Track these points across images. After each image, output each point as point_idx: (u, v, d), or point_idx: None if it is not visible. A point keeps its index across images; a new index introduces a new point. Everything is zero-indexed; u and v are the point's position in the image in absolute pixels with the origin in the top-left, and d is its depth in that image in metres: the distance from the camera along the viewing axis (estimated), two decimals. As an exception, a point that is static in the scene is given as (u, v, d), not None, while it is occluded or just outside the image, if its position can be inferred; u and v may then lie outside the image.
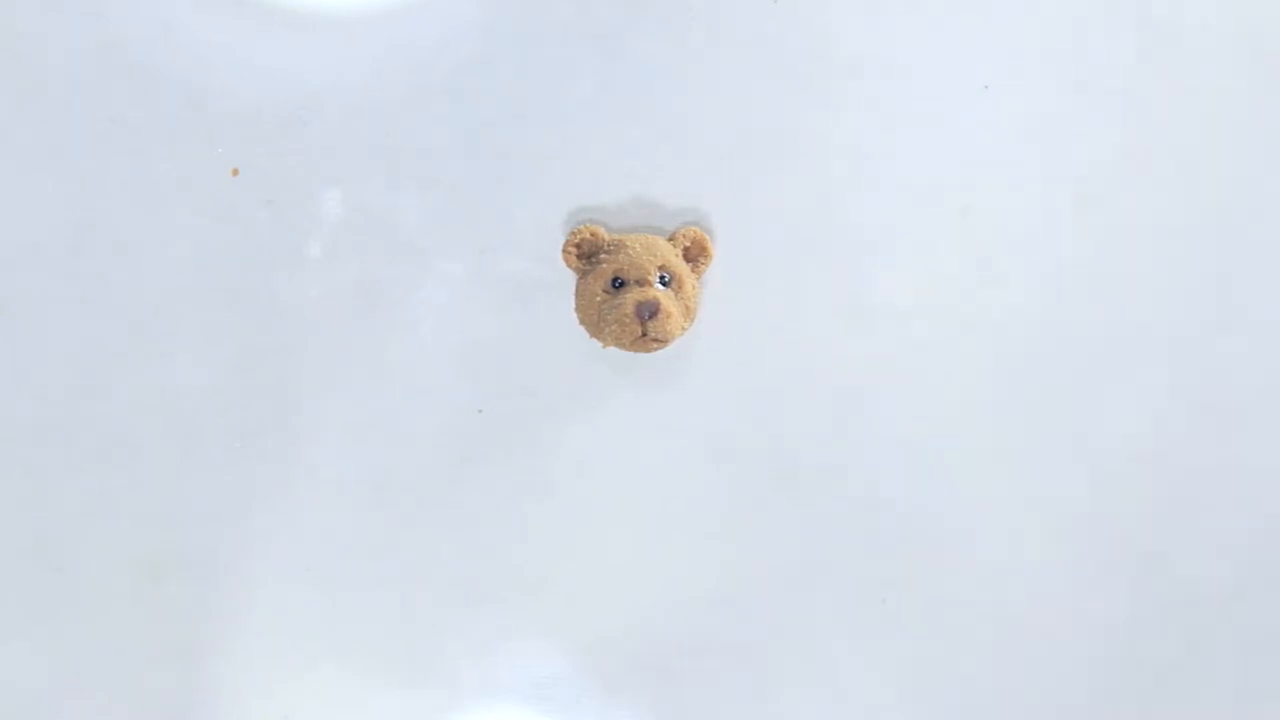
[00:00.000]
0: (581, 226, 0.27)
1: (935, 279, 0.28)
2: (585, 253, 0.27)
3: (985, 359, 0.28)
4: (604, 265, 0.27)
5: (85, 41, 0.27)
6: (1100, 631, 0.28)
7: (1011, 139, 0.28)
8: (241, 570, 0.28)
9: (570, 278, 0.27)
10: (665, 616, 0.29)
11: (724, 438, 0.28)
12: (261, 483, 0.28)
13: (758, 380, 0.28)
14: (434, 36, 0.27)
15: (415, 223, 0.28)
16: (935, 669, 0.29)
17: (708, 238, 0.27)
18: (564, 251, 0.27)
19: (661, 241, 0.27)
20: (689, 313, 0.27)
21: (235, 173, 0.28)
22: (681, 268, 0.27)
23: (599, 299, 0.26)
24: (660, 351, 0.27)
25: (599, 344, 0.27)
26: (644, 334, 0.26)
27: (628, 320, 0.26)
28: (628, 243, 0.27)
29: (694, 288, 0.27)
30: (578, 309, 0.27)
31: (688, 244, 0.27)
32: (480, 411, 0.28)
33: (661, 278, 0.26)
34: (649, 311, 0.26)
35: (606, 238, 0.27)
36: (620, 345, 0.27)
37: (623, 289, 0.26)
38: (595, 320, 0.27)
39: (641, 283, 0.26)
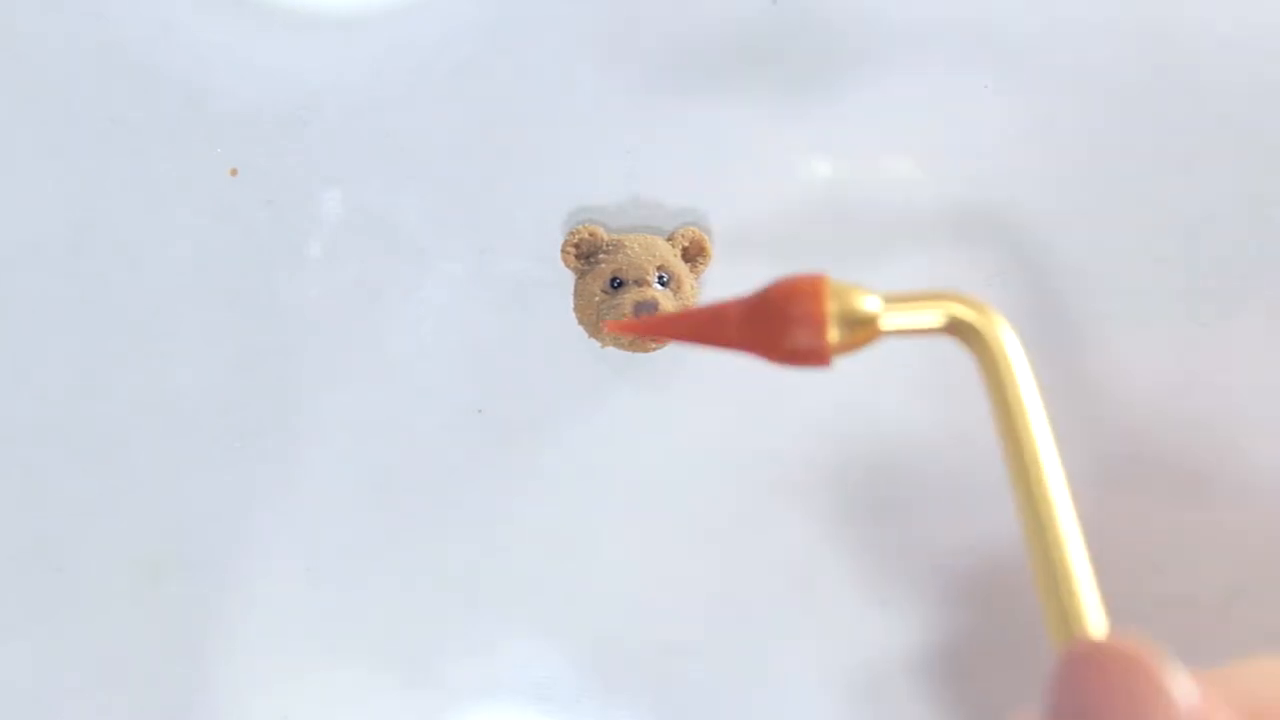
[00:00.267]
0: (580, 226, 0.27)
1: (936, 279, 0.28)
2: (584, 253, 0.27)
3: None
4: (603, 265, 0.27)
5: (85, 41, 0.27)
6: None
7: (1013, 139, 0.28)
8: (241, 570, 0.28)
9: (570, 277, 0.27)
10: (665, 616, 0.29)
11: (723, 437, 0.28)
12: (261, 483, 0.28)
13: (757, 380, 0.28)
14: (434, 36, 0.27)
15: (415, 223, 0.28)
16: (936, 669, 0.29)
17: (706, 238, 0.27)
18: (563, 251, 0.27)
19: (660, 242, 0.27)
20: (689, 313, 0.27)
21: (235, 173, 0.28)
22: (680, 268, 0.27)
23: (598, 299, 0.27)
24: (659, 351, 0.27)
25: (598, 344, 0.27)
26: (607, 330, 0.26)
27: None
28: (626, 243, 0.27)
29: (693, 288, 0.27)
30: (576, 309, 0.27)
31: (686, 244, 0.27)
32: (480, 411, 0.28)
33: (660, 278, 0.26)
34: (648, 311, 0.26)
35: (605, 238, 0.27)
36: (619, 345, 0.27)
37: (621, 289, 0.26)
38: (594, 320, 0.27)
39: (640, 283, 0.26)
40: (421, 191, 0.28)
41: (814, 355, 0.19)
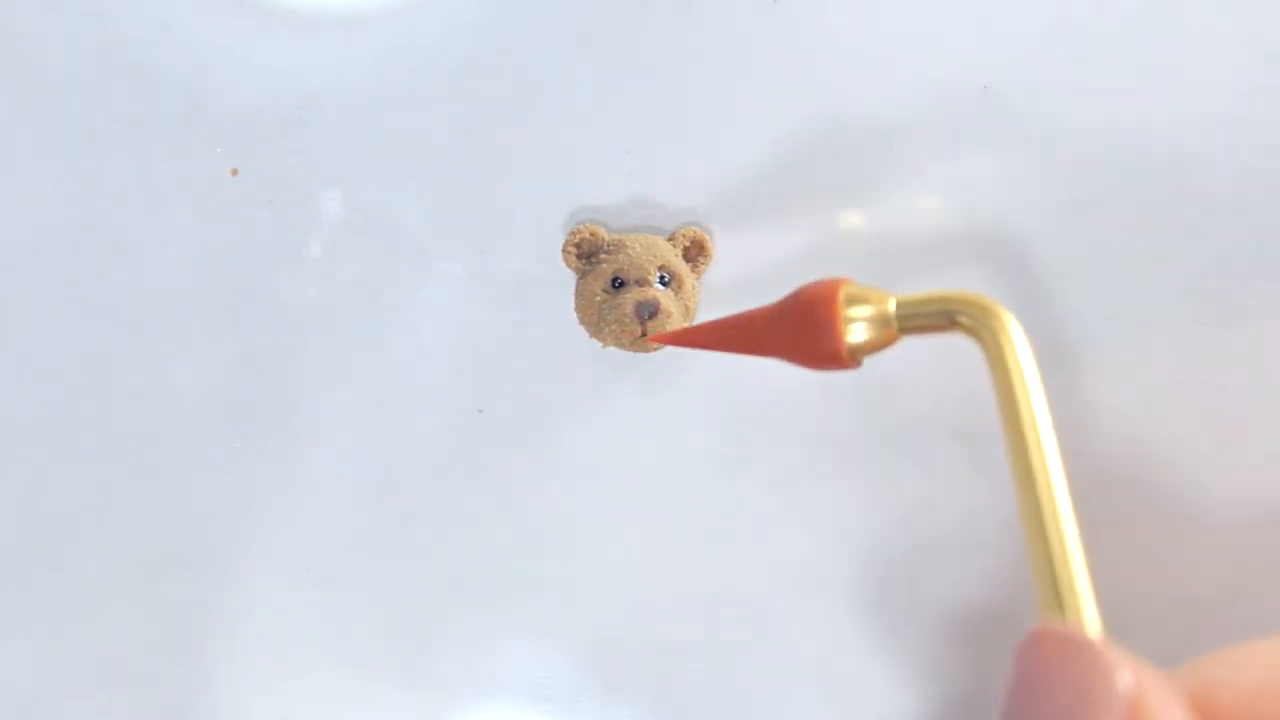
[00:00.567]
0: (581, 226, 0.27)
1: (936, 279, 0.28)
2: (585, 253, 0.27)
3: (981, 360, 0.28)
4: (604, 265, 0.27)
5: (85, 41, 0.27)
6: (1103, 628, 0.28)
7: (1013, 139, 0.28)
8: (241, 570, 0.28)
9: (570, 277, 0.27)
10: (665, 616, 0.29)
11: (724, 437, 0.28)
12: (261, 483, 0.28)
13: (757, 380, 0.28)
14: (434, 36, 0.27)
15: (415, 223, 0.28)
16: (936, 669, 0.29)
17: (708, 238, 0.27)
18: (564, 251, 0.27)
19: (661, 241, 0.27)
20: (689, 313, 0.27)
21: (235, 173, 0.28)
22: (681, 268, 0.27)
23: (599, 299, 0.27)
24: (660, 351, 0.27)
25: (599, 344, 0.27)
26: (644, 334, 0.26)
27: (627, 320, 0.26)
28: (627, 243, 0.27)
29: (694, 288, 0.27)
30: (577, 309, 0.27)
31: (687, 244, 0.27)
32: (480, 411, 0.28)
33: (661, 278, 0.26)
34: (649, 311, 0.26)
35: (606, 238, 0.27)
36: (620, 345, 0.27)
37: (622, 289, 0.26)
38: (595, 320, 0.27)
39: (641, 283, 0.26)
40: (421, 191, 0.28)
41: (835, 358, 0.21)
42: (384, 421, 0.28)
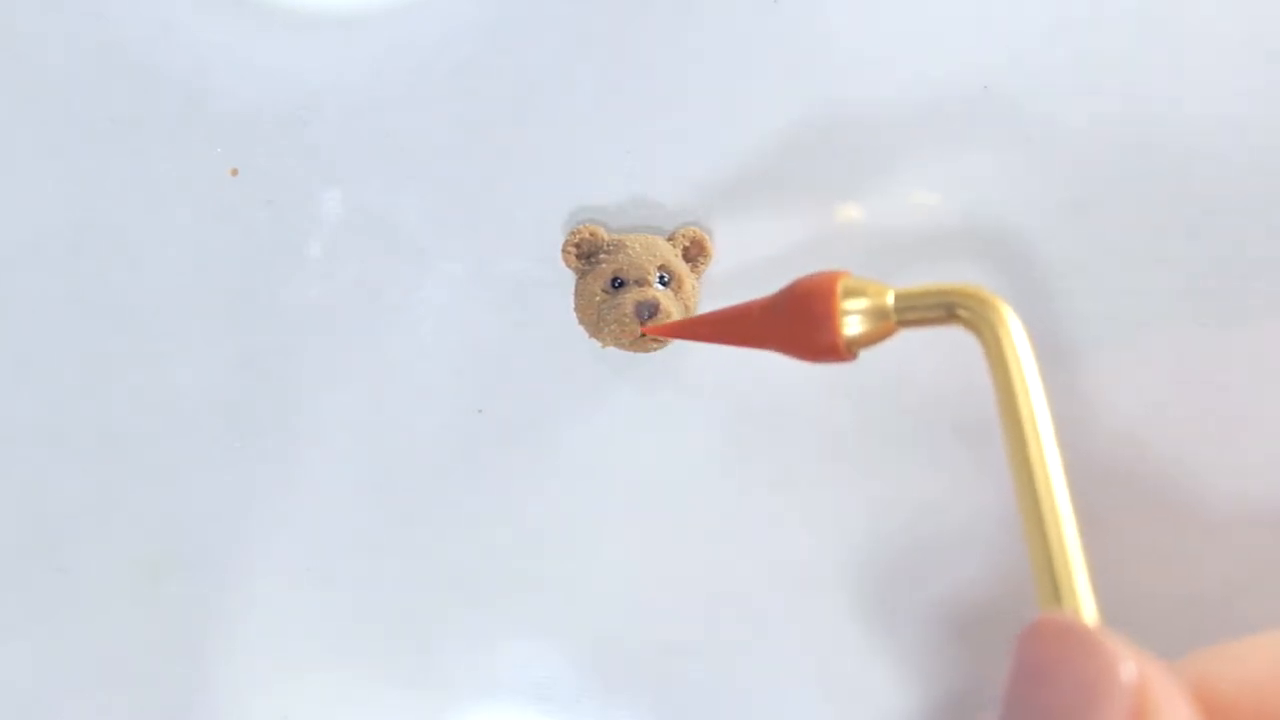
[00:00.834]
0: (581, 226, 0.27)
1: (935, 277, 0.28)
2: (585, 252, 0.27)
3: (981, 358, 0.28)
4: (603, 265, 0.27)
5: (85, 41, 0.27)
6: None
7: (1013, 139, 0.28)
8: (241, 570, 0.28)
9: (570, 277, 0.27)
10: (665, 616, 0.29)
11: (724, 437, 0.28)
12: (261, 483, 0.28)
13: (757, 380, 0.28)
14: (434, 36, 0.27)
15: (415, 223, 0.28)
16: (935, 670, 0.29)
17: (707, 238, 0.27)
18: (563, 251, 0.27)
19: (661, 241, 0.27)
20: (689, 313, 0.27)
21: (235, 173, 0.28)
22: (681, 268, 0.27)
23: (598, 299, 0.27)
24: (660, 351, 0.27)
25: (599, 344, 0.27)
26: (643, 334, 0.26)
27: (627, 320, 0.26)
28: (627, 243, 0.27)
29: (693, 288, 0.27)
30: (577, 309, 0.27)
31: (687, 244, 0.27)
32: (480, 411, 0.28)
33: (661, 278, 0.26)
34: (648, 311, 0.26)
35: (606, 237, 0.27)
36: (620, 345, 0.27)
37: (622, 289, 0.26)
38: (595, 320, 0.27)
39: (641, 283, 0.26)
40: (421, 191, 0.28)
41: (832, 351, 0.20)
42: (384, 421, 0.28)
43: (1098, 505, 0.28)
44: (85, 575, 0.28)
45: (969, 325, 0.20)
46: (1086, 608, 0.18)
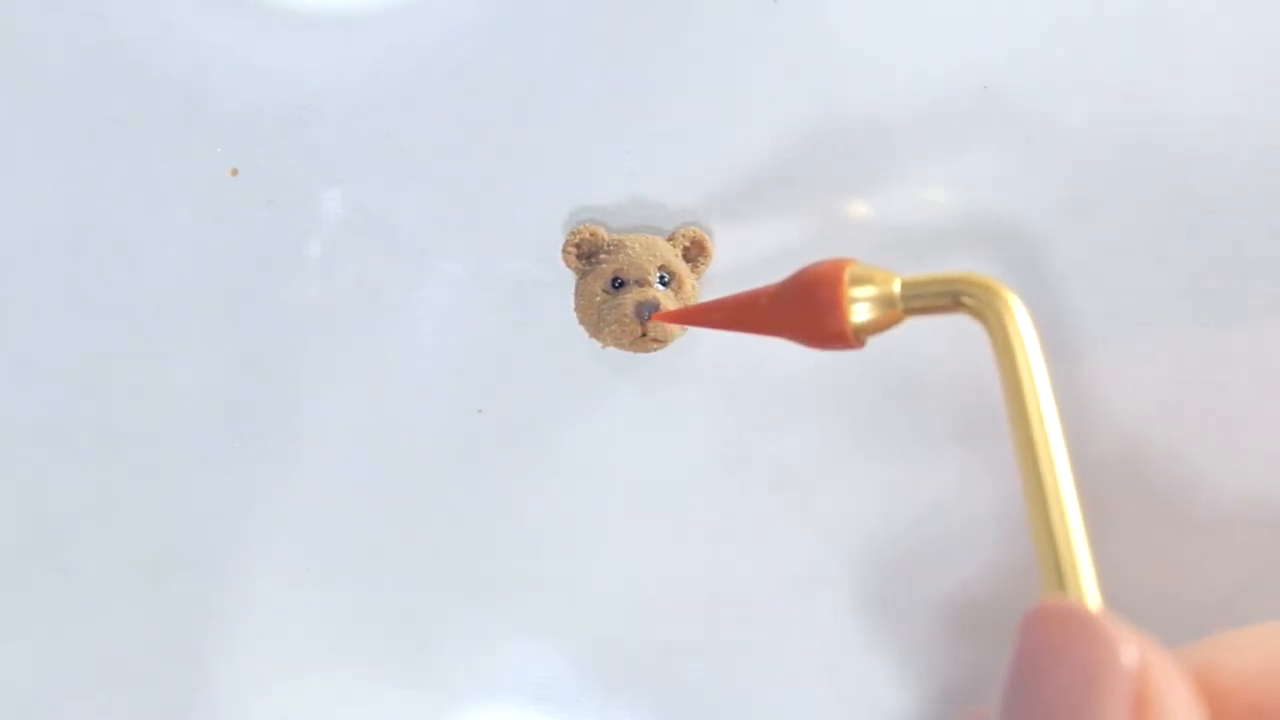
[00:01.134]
0: (581, 226, 0.27)
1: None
2: (585, 253, 0.27)
3: (982, 357, 0.28)
4: (604, 265, 0.27)
5: (85, 41, 0.27)
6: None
7: (1013, 139, 0.28)
8: (241, 570, 0.28)
9: (570, 277, 0.27)
10: (665, 616, 0.29)
11: (724, 438, 0.28)
12: (261, 483, 0.28)
13: (758, 381, 0.28)
14: (434, 36, 0.27)
15: (415, 223, 0.28)
16: (937, 669, 0.29)
17: (707, 238, 0.27)
18: (564, 252, 0.27)
19: (661, 241, 0.27)
20: (689, 313, 0.27)
21: (235, 173, 0.28)
22: (681, 268, 0.27)
23: (599, 299, 0.27)
24: (660, 352, 0.27)
25: (599, 344, 0.27)
26: (644, 334, 0.26)
27: (627, 320, 0.26)
28: (627, 243, 0.27)
29: (694, 288, 0.27)
30: (577, 309, 0.27)
31: (687, 244, 0.27)
32: (480, 411, 0.28)
33: (661, 278, 0.26)
34: (649, 312, 0.26)
35: (606, 238, 0.27)
36: (620, 345, 0.27)
37: (622, 289, 0.26)
38: (595, 320, 0.27)
39: (641, 283, 0.26)
40: (421, 191, 0.28)
41: (839, 338, 0.20)
42: (384, 421, 0.28)
43: (1098, 505, 0.28)
44: (85, 575, 0.28)
45: (975, 313, 0.20)
46: (1090, 594, 0.18)
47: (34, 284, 0.28)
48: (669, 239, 0.27)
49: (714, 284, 0.28)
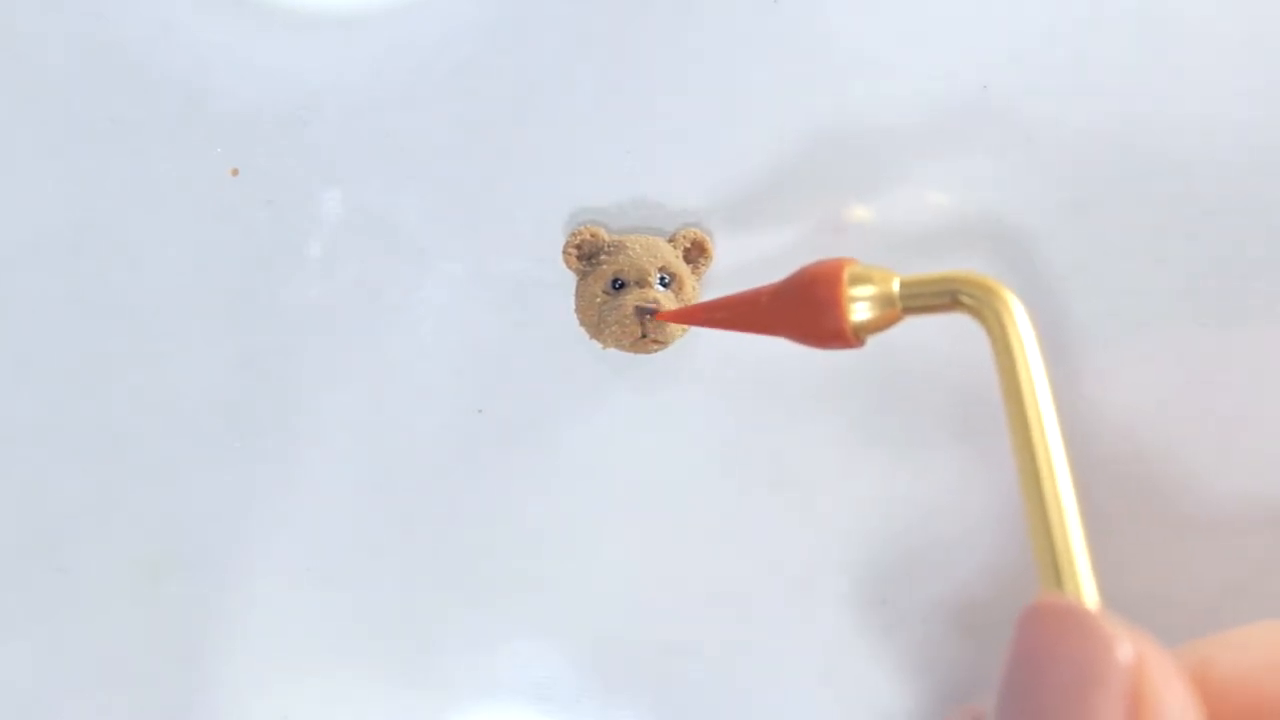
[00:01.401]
0: (582, 227, 0.27)
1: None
2: (586, 254, 0.27)
3: (982, 357, 0.28)
4: (604, 266, 0.27)
5: (85, 41, 0.27)
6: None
7: (1013, 139, 0.28)
8: (241, 570, 0.28)
9: (570, 277, 0.27)
10: (665, 616, 0.29)
11: (724, 438, 0.28)
12: (261, 483, 0.28)
13: (758, 381, 0.28)
14: (434, 36, 0.27)
15: (415, 223, 0.28)
16: (937, 669, 0.29)
17: (708, 239, 0.27)
18: (564, 253, 0.27)
19: (662, 243, 0.27)
20: (689, 314, 0.27)
21: (235, 173, 0.28)
22: (682, 269, 0.27)
23: (599, 300, 0.26)
24: (660, 353, 0.27)
25: (599, 345, 0.27)
26: (644, 335, 0.26)
27: (628, 321, 0.26)
28: (628, 244, 0.27)
29: (694, 289, 0.27)
30: (578, 310, 0.27)
31: (688, 245, 0.27)
32: (480, 411, 0.28)
33: (662, 279, 0.26)
34: (649, 313, 0.26)
35: (607, 239, 0.27)
36: (620, 346, 0.27)
37: (623, 290, 0.26)
38: (595, 321, 0.27)
39: (642, 284, 0.26)
40: (421, 191, 0.28)
41: (839, 337, 0.21)
42: (384, 421, 0.28)
43: (1097, 505, 0.28)
44: (85, 575, 0.28)
45: (973, 312, 0.20)
46: (1088, 592, 0.18)
47: (34, 284, 0.28)
48: (670, 240, 0.27)
49: (715, 285, 0.28)
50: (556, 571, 0.28)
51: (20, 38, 0.27)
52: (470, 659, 0.29)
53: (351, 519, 0.28)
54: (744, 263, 0.28)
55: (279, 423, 0.28)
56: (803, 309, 0.21)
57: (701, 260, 0.27)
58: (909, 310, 0.21)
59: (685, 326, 0.27)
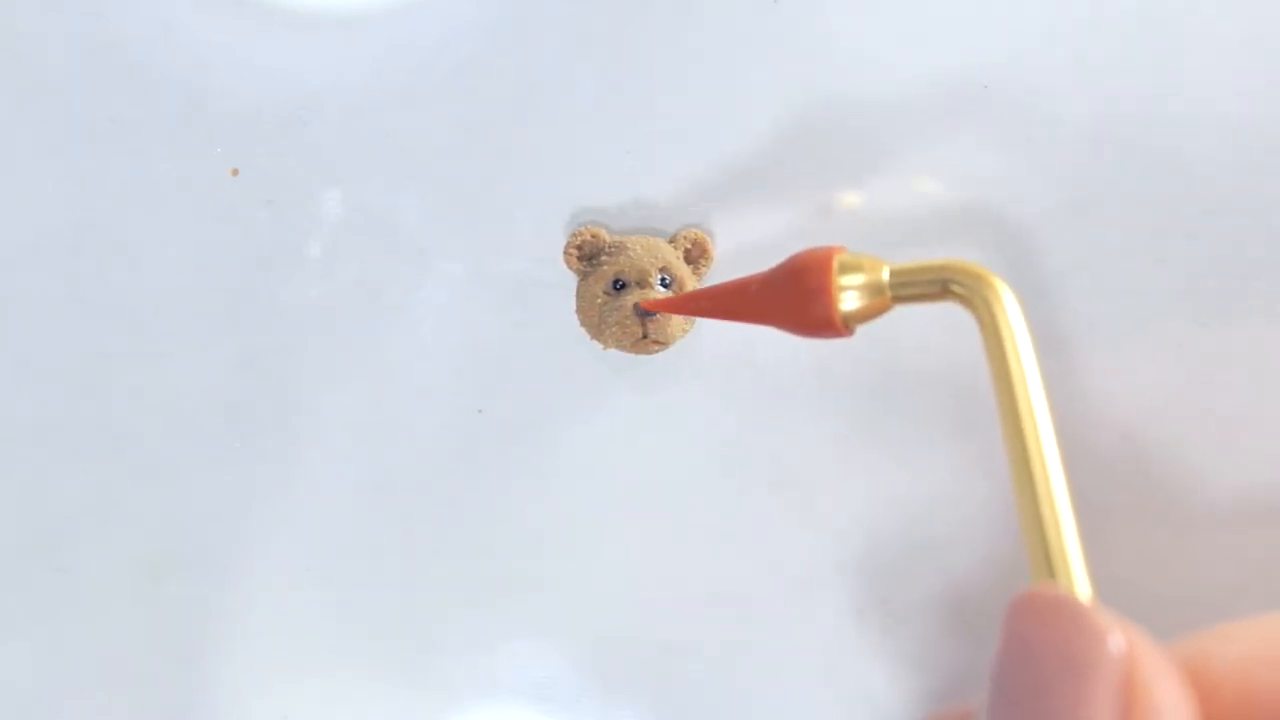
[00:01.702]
0: (583, 228, 0.27)
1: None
2: (587, 254, 0.27)
3: (982, 355, 0.28)
4: (605, 267, 0.27)
5: (85, 41, 0.27)
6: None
7: (1013, 139, 0.28)
8: (241, 570, 0.28)
9: (571, 277, 0.27)
10: (665, 616, 0.29)
11: (724, 438, 0.28)
12: (261, 483, 0.28)
13: (758, 381, 0.28)
14: (434, 36, 0.27)
15: (415, 223, 0.28)
16: (937, 669, 0.29)
17: (709, 240, 0.27)
18: (565, 253, 0.27)
19: (663, 244, 0.27)
20: (689, 315, 0.27)
21: (235, 173, 0.28)
22: (683, 270, 0.27)
23: (600, 300, 0.26)
24: (661, 353, 0.27)
25: (600, 345, 0.27)
26: (645, 335, 0.26)
27: (629, 322, 0.26)
28: (629, 244, 0.27)
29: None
30: (579, 310, 0.27)
31: (689, 246, 0.27)
32: (480, 411, 0.28)
33: (663, 279, 0.26)
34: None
35: (608, 239, 0.27)
36: (621, 347, 0.27)
37: (624, 290, 0.26)
38: (596, 322, 0.27)
39: (643, 284, 0.26)
40: (421, 191, 0.28)
41: (828, 325, 0.20)
42: (384, 421, 0.28)
43: (1098, 504, 0.28)
44: (85, 575, 0.28)
45: (963, 300, 0.20)
46: (1080, 582, 0.18)
47: (34, 284, 0.28)
48: (670, 241, 0.27)
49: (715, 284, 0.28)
50: (556, 571, 0.28)
51: (20, 38, 0.27)
52: (470, 659, 0.29)
53: (351, 519, 0.28)
54: (745, 263, 0.28)
55: (279, 423, 0.28)
56: (792, 297, 0.21)
57: (702, 261, 0.27)
58: (899, 299, 0.21)
59: (686, 327, 0.27)
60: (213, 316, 0.28)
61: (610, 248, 0.27)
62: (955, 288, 0.20)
